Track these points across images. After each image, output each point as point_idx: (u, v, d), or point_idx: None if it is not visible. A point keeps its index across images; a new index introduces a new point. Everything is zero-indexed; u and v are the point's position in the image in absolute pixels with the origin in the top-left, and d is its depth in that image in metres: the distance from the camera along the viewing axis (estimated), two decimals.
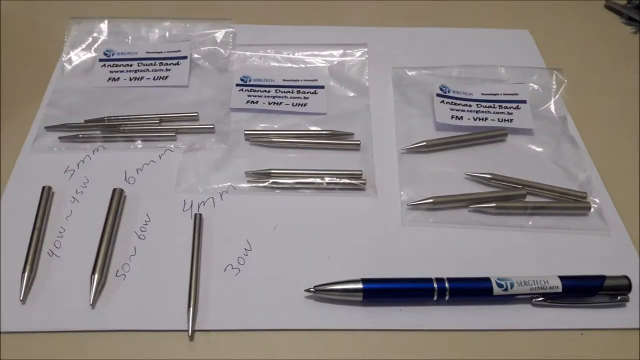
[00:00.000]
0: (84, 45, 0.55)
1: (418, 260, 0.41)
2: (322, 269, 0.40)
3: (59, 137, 0.48)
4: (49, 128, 0.48)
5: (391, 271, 0.39)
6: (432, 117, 0.51)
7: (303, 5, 0.64)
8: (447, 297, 0.38)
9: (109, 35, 0.56)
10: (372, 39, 0.58)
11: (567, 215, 0.44)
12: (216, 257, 0.40)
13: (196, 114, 0.50)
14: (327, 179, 0.45)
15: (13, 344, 0.36)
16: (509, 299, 0.39)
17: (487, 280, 0.38)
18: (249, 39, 0.57)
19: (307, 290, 0.38)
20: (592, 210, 0.44)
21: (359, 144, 0.48)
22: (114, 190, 0.43)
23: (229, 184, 0.45)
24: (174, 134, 0.48)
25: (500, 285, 0.38)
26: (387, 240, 0.42)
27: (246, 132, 0.49)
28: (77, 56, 0.54)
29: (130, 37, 0.56)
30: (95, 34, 0.56)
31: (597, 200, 0.45)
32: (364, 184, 0.45)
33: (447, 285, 0.38)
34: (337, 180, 0.45)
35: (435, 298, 0.38)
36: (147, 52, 0.55)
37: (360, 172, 0.46)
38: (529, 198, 0.45)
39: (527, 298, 0.39)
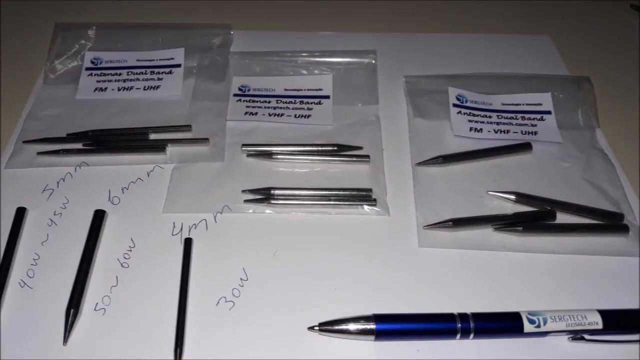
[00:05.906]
0: (69, 53, 0.51)
1: (436, 287, 0.37)
2: (328, 299, 0.36)
3: (38, 152, 0.44)
4: (28, 142, 0.44)
5: (406, 300, 0.36)
6: (448, 129, 0.47)
7: (306, 10, 0.61)
8: (471, 337, 0.33)
9: (97, 41, 0.52)
10: (381, 45, 0.55)
11: (602, 237, 0.40)
12: (208, 288, 0.36)
13: (189, 126, 0.46)
14: (333, 201, 0.41)
15: None
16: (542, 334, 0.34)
17: (517, 316, 0.33)
18: (248, 45, 0.54)
19: (311, 329, 0.33)
20: (629, 232, 0.40)
21: (368, 158, 0.44)
22: (96, 212, 0.40)
23: (224, 204, 0.41)
24: (164, 148, 0.44)
25: (532, 322, 0.33)
26: (400, 265, 0.38)
27: (244, 146, 0.45)
28: (62, 65, 0.51)
29: (120, 44, 0.52)
30: (82, 41, 0.52)
31: (636, 221, 0.41)
32: (375, 202, 0.41)
33: (471, 324, 0.33)
34: (345, 201, 0.41)
35: (458, 338, 0.33)
36: (137, 60, 0.51)
37: (370, 190, 0.41)
38: (559, 218, 0.41)
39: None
